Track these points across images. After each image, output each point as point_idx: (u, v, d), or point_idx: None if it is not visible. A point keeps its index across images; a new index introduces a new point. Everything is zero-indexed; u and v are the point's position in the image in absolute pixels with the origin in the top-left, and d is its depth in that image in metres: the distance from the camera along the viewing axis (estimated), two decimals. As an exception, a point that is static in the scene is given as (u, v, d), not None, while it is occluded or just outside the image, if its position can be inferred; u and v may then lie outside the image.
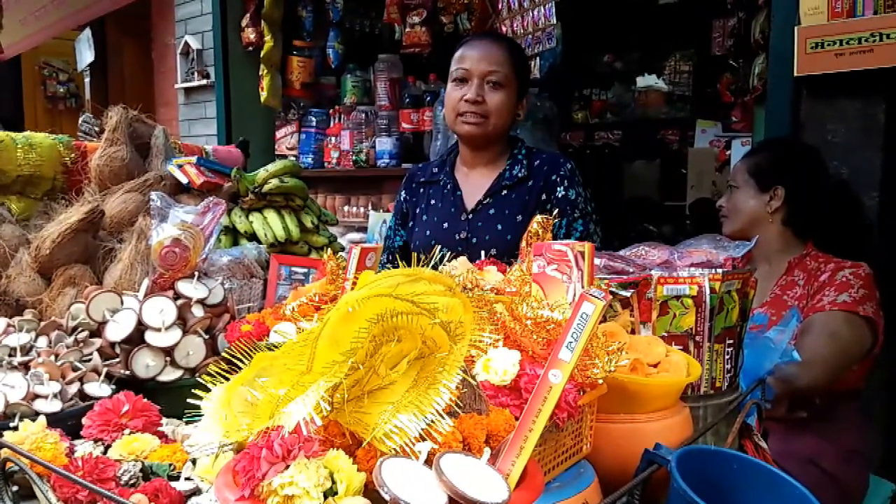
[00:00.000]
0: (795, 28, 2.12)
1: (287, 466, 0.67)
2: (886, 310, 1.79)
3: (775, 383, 1.52)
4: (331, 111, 4.46)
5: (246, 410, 0.78)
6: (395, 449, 0.69)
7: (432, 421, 0.71)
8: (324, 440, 0.72)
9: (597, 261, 1.23)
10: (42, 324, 1.40)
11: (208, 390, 0.82)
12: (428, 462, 0.69)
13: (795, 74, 2.15)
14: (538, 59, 3.30)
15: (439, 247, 1.22)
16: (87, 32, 5.44)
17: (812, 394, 1.72)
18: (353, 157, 4.23)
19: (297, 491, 0.65)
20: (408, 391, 0.73)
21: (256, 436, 0.72)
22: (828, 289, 1.78)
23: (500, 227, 1.91)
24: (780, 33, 2.26)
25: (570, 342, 0.73)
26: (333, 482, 0.68)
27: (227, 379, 0.83)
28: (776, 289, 1.90)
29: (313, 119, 4.48)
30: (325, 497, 0.67)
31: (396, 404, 0.72)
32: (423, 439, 0.70)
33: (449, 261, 1.30)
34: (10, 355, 1.27)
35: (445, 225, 1.98)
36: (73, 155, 1.93)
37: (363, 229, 4.16)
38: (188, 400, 0.84)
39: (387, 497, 0.63)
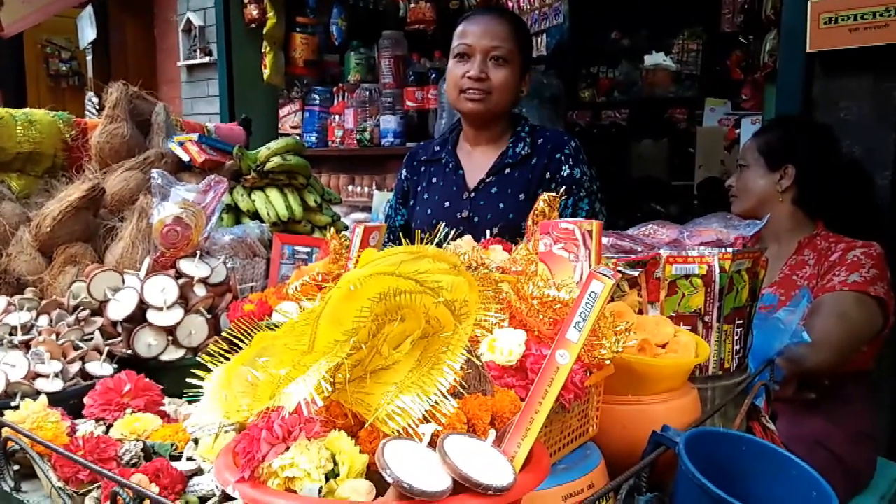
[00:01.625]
0: (808, 2, 2.07)
1: (287, 448, 0.66)
2: (898, 290, 1.77)
3: (784, 364, 1.50)
4: (334, 89, 4.41)
5: (246, 391, 0.77)
6: (398, 430, 0.67)
7: (436, 402, 0.69)
8: (325, 421, 0.71)
9: (604, 240, 1.20)
10: (43, 302, 1.39)
11: (209, 370, 0.81)
12: (432, 444, 0.67)
13: (808, 50, 2.10)
14: (545, 35, 3.25)
15: (443, 224, 1.19)
16: (89, 10, 5.38)
17: (821, 375, 1.70)
18: (358, 136, 4.20)
19: (297, 472, 0.64)
20: (411, 371, 0.72)
21: (257, 416, 0.71)
22: (838, 268, 1.75)
23: (502, 205, 1.88)
24: (792, 8, 2.21)
25: (579, 322, 0.71)
26: (335, 464, 0.67)
27: (228, 359, 0.81)
28: (786, 269, 1.88)
29: (317, 97, 4.43)
30: (327, 479, 0.66)
31: (399, 385, 0.70)
32: (427, 420, 0.69)
33: (452, 239, 1.28)
34: (10, 334, 1.27)
35: (447, 204, 1.95)
36: (73, 132, 1.92)
37: (367, 209, 4.13)
38: (189, 380, 0.83)
39: (389, 479, 0.62)
